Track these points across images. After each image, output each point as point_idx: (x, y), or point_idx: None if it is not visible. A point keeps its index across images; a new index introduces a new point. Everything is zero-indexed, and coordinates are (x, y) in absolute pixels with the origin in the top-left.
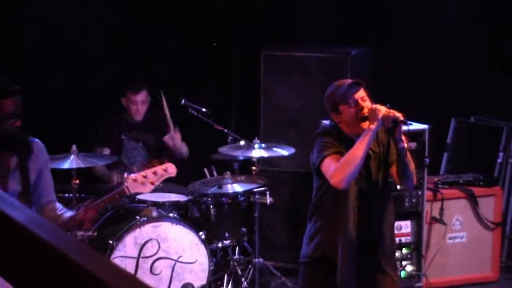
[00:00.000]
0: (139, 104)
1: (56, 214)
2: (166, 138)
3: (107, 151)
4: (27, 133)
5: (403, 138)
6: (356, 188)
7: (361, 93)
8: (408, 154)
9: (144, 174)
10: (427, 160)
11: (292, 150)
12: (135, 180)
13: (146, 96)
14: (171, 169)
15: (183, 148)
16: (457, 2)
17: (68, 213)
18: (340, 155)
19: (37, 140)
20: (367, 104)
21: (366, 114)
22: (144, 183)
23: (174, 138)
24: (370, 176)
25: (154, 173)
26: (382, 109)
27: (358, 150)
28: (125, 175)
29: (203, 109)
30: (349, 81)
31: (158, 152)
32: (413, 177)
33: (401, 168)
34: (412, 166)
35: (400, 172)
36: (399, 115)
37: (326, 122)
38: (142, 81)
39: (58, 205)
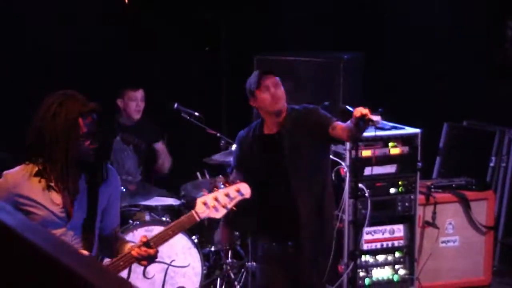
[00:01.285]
0: (138, 100)
1: (126, 243)
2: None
3: None
4: (104, 159)
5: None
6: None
7: (274, 80)
8: (364, 122)
9: (215, 197)
10: (420, 164)
11: None
12: (205, 204)
13: (143, 95)
14: (244, 190)
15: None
16: (449, 7)
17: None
18: (238, 172)
19: (112, 167)
20: (279, 89)
21: (278, 96)
22: (217, 207)
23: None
24: (287, 168)
25: (227, 195)
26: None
27: None
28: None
29: (196, 113)
30: (264, 71)
31: (148, 157)
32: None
33: (356, 134)
34: (367, 125)
35: (354, 136)
36: (365, 112)
37: None
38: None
39: (120, 235)
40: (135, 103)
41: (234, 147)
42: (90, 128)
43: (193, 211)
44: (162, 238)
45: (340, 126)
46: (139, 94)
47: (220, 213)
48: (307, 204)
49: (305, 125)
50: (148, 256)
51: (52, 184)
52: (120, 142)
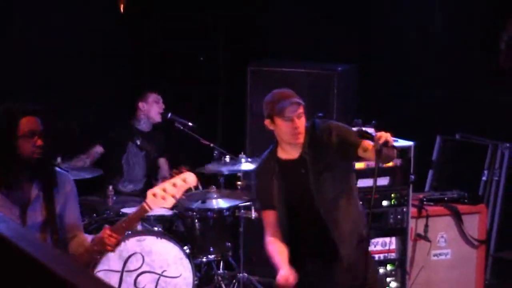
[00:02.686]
0: (161, 103)
1: (86, 246)
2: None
3: (99, 148)
4: (53, 163)
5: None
6: (304, 212)
7: (299, 110)
8: (387, 149)
9: (163, 188)
10: (412, 177)
11: None
12: (155, 195)
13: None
14: (190, 179)
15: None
16: (443, 20)
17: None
18: (272, 211)
19: (65, 171)
20: (301, 120)
21: (299, 131)
22: (165, 197)
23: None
24: (311, 192)
25: (174, 185)
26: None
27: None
28: (110, 188)
29: (190, 123)
30: (289, 93)
31: (153, 169)
32: (394, 155)
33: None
34: (392, 153)
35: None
36: (388, 139)
37: None
38: None
39: (85, 236)
40: (159, 105)
41: (228, 157)
42: (32, 127)
43: (143, 203)
44: (118, 230)
45: (372, 148)
46: (160, 97)
47: (168, 203)
48: (341, 225)
49: (329, 145)
50: (115, 243)
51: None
52: (135, 147)
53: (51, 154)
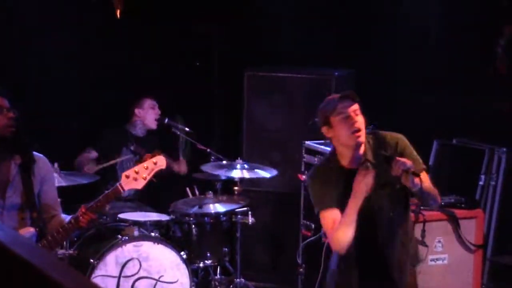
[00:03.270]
0: (156, 108)
1: (63, 224)
2: (174, 165)
3: (94, 154)
4: (28, 143)
5: (416, 182)
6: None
7: (354, 106)
8: (426, 185)
9: (136, 170)
10: None
11: (275, 172)
12: (127, 177)
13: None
14: (160, 162)
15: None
16: (439, 24)
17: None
18: (335, 209)
19: (42, 156)
20: (359, 118)
21: (358, 127)
22: (137, 178)
23: (181, 166)
24: (372, 206)
25: (146, 168)
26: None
27: (350, 216)
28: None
29: (186, 129)
30: (340, 95)
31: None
32: (436, 199)
33: (421, 200)
34: (434, 192)
35: (421, 201)
36: (410, 164)
37: (308, 142)
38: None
39: (64, 216)
40: (155, 111)
41: (225, 163)
42: (1, 103)
43: (117, 184)
44: (92, 209)
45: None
46: (156, 103)
47: (140, 184)
48: (397, 247)
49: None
50: (88, 220)
51: None
52: (129, 152)
53: (24, 132)
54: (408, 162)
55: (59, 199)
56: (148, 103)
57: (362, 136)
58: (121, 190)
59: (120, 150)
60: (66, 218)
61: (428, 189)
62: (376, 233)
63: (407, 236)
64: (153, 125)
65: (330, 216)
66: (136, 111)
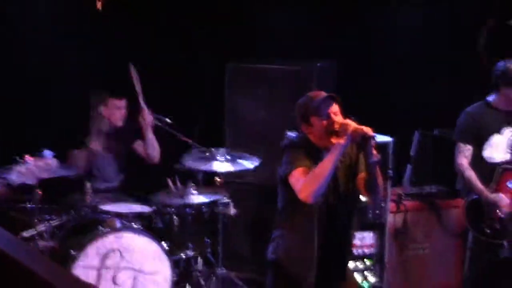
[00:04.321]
0: (122, 109)
1: None
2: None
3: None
4: None
5: (374, 152)
6: (322, 200)
7: (334, 108)
8: (378, 169)
9: None
10: (391, 172)
11: (257, 161)
12: None
13: (127, 104)
14: None
15: (154, 145)
16: (423, 15)
17: None
18: (308, 168)
19: None
20: (338, 118)
21: (337, 129)
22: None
23: (147, 119)
24: (338, 188)
25: None
26: (352, 125)
27: (327, 165)
28: (88, 185)
29: (168, 120)
30: (324, 94)
31: (127, 165)
32: (381, 193)
33: (370, 182)
34: (380, 180)
35: (368, 186)
36: (368, 130)
37: (291, 133)
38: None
39: None
40: (119, 111)
41: (207, 154)
42: None
43: None
44: None
45: (361, 179)
46: (123, 103)
47: None
48: (350, 242)
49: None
50: None
51: None
52: (102, 149)
53: None
54: (366, 129)
55: None
56: (114, 103)
57: (339, 138)
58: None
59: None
60: None
61: (379, 175)
62: (340, 223)
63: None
64: (118, 123)
65: (302, 171)
66: (102, 109)
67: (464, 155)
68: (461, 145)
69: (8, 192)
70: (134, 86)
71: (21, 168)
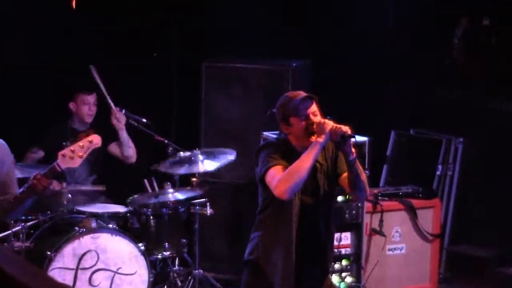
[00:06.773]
0: (91, 105)
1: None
2: (114, 122)
3: (41, 153)
4: None
5: (353, 150)
6: (299, 202)
7: (313, 108)
8: (359, 165)
9: (72, 149)
10: (367, 172)
11: (234, 154)
12: (64, 156)
13: (96, 99)
14: (96, 140)
15: (129, 144)
16: (398, 15)
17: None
18: (285, 167)
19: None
20: (317, 119)
21: (315, 129)
22: (73, 157)
23: (119, 119)
24: (317, 189)
25: (81, 146)
26: (330, 124)
27: (304, 162)
28: (64, 184)
29: (144, 120)
30: (302, 93)
31: (101, 164)
32: (365, 187)
33: (353, 180)
34: (363, 176)
35: (352, 183)
36: (346, 129)
37: (267, 133)
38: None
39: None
40: (87, 106)
41: (182, 153)
42: None
43: (54, 163)
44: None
45: (344, 178)
46: (92, 98)
47: (76, 162)
48: (330, 244)
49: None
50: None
51: None
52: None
53: None
54: (345, 127)
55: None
56: (81, 98)
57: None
58: (58, 169)
59: (62, 147)
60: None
61: (361, 171)
62: (319, 226)
63: (333, 232)
64: (87, 119)
65: (278, 169)
66: (71, 105)
67: None
68: None
69: None
70: (98, 87)
71: None
